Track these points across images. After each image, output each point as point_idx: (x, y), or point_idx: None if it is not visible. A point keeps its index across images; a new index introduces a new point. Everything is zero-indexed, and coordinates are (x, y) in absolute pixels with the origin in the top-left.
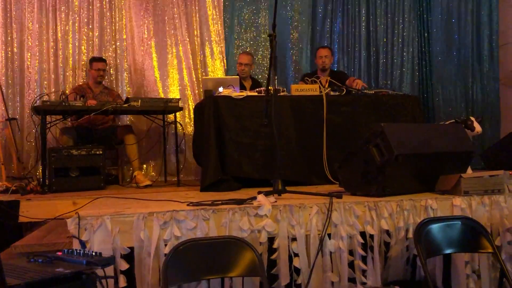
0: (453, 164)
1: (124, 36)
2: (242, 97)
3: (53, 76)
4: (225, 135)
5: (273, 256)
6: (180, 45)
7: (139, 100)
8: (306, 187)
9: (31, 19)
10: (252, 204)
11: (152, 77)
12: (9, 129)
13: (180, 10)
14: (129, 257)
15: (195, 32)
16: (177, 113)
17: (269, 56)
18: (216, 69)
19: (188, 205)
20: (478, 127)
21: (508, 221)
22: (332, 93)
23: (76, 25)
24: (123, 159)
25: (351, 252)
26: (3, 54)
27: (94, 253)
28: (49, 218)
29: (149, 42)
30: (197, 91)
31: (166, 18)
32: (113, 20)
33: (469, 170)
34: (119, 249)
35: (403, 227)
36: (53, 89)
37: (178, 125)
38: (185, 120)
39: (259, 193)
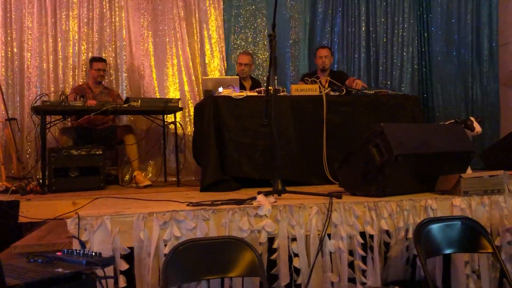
0: (452, 164)
1: (124, 36)
2: (242, 97)
3: (53, 76)
4: (225, 135)
5: (273, 256)
6: (180, 45)
7: (139, 100)
8: (306, 187)
9: (31, 19)
10: (252, 204)
11: (151, 77)
12: (9, 129)
13: (179, 10)
14: (129, 257)
15: (194, 31)
16: (177, 113)
17: (268, 56)
18: (216, 69)
19: (188, 205)
20: (478, 127)
21: (508, 221)
22: (332, 93)
23: (76, 25)
24: (123, 159)
25: (351, 252)
26: (3, 54)
27: (94, 253)
28: (49, 218)
29: (148, 42)
30: (196, 92)
31: (165, 18)
32: (113, 20)
33: (469, 170)
34: (119, 249)
35: (403, 227)
36: (53, 89)
37: (178, 125)
38: (185, 120)
39: (259, 193)
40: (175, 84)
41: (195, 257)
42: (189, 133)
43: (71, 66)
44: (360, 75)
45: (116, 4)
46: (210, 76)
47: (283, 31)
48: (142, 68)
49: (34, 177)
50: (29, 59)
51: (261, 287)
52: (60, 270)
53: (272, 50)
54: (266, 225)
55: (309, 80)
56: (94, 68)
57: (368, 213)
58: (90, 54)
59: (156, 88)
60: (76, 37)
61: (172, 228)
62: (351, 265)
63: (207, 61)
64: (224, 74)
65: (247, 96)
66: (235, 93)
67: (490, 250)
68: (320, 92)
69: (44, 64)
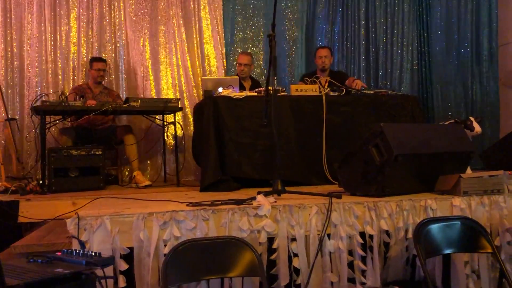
0: (452, 164)
1: (123, 36)
2: (241, 97)
3: (52, 76)
4: (225, 135)
5: (273, 256)
6: (179, 45)
7: (139, 101)
8: (305, 187)
9: (31, 19)
10: (252, 204)
11: (149, 78)
12: (8, 129)
13: (179, 10)
14: (128, 257)
15: (194, 30)
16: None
17: (267, 56)
18: (216, 69)
19: (187, 205)
20: (477, 127)
21: (508, 221)
22: (331, 93)
23: (76, 25)
24: (122, 159)
25: (350, 252)
26: (3, 54)
27: (93, 253)
28: (49, 219)
29: (147, 42)
30: (195, 92)
31: (165, 18)
32: (112, 20)
33: (469, 170)
34: (118, 249)
35: (402, 227)
36: (53, 89)
37: (178, 125)
38: (186, 120)
39: (259, 193)
40: (175, 85)
41: (195, 257)
42: (189, 134)
43: (71, 66)
44: (360, 75)
45: (116, 4)
46: (209, 76)
47: (281, 31)
48: (140, 68)
49: (34, 177)
50: (29, 59)
51: (260, 287)
52: (59, 270)
53: (272, 50)
54: (265, 225)
55: (309, 80)
56: (94, 68)
57: (367, 213)
58: (90, 54)
59: (155, 89)
60: (76, 37)
61: (172, 228)
62: (350, 265)
63: (206, 61)
64: (223, 74)
65: (247, 96)
66: (235, 93)
67: (489, 250)
68: (320, 92)
69: (44, 64)
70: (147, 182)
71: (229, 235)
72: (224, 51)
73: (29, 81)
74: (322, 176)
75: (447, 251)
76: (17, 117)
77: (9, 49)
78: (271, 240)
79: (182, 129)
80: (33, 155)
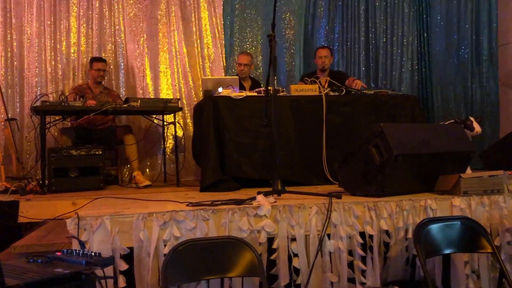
0: (452, 164)
1: (123, 36)
2: (241, 97)
3: (52, 76)
4: (225, 135)
5: (273, 256)
6: (178, 45)
7: (139, 101)
8: (305, 187)
9: (31, 19)
10: (252, 204)
11: (150, 77)
12: (8, 129)
13: (178, 10)
14: (128, 257)
15: (194, 30)
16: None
17: (267, 56)
18: (215, 69)
19: (187, 205)
20: (477, 127)
21: (508, 221)
22: (331, 93)
23: (76, 25)
24: (122, 159)
25: (350, 252)
26: (3, 54)
27: (93, 254)
28: (49, 219)
29: (146, 42)
30: (194, 92)
31: (165, 18)
32: (112, 20)
33: (469, 170)
34: (118, 249)
35: (402, 227)
36: (53, 89)
37: (178, 125)
38: (186, 120)
39: (259, 193)
40: (174, 85)
41: (195, 257)
42: (188, 134)
43: (71, 66)
44: (360, 75)
45: (115, 4)
46: (209, 76)
47: (281, 31)
48: (140, 68)
49: (34, 177)
50: (29, 59)
51: (260, 287)
52: (59, 270)
53: (272, 50)
54: (265, 225)
55: (309, 80)
56: (94, 68)
57: (367, 213)
58: (90, 54)
59: (154, 89)
60: (76, 37)
61: (172, 228)
62: (350, 265)
63: (206, 61)
64: (223, 74)
65: (247, 96)
66: (235, 93)
67: (489, 250)
68: (320, 92)
69: (44, 64)
70: (147, 182)
71: (229, 235)
72: (223, 51)
73: (29, 81)
74: (322, 176)
75: (447, 251)
76: (17, 117)
77: (9, 49)
78: (271, 240)
79: (182, 129)
80: (33, 155)
